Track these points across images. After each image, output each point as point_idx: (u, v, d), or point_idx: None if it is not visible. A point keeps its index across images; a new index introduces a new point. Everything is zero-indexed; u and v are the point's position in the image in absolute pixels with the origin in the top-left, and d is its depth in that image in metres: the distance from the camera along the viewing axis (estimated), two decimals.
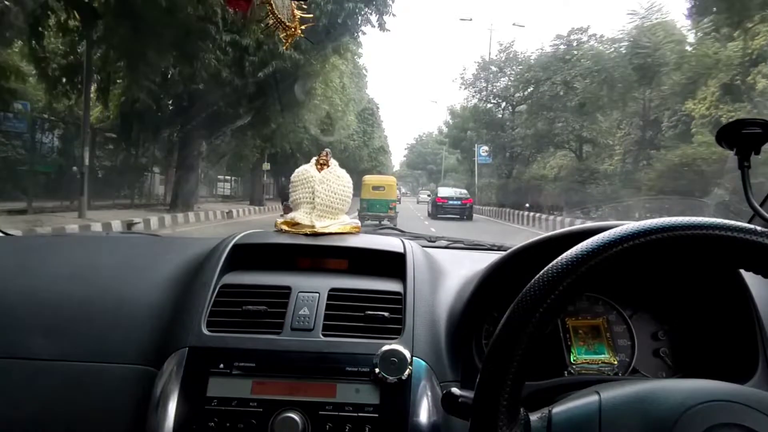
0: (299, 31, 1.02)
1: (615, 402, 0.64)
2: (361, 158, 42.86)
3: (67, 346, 1.04)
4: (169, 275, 1.19)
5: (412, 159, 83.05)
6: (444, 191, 25.53)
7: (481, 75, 32.74)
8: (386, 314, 1.06)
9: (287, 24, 1.00)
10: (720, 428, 0.57)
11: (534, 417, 0.66)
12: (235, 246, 1.23)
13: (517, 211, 22.03)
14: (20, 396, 1.00)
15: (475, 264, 1.19)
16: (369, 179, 17.93)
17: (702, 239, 0.61)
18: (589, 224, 0.98)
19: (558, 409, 0.66)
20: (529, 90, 27.84)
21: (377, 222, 13.93)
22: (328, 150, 1.40)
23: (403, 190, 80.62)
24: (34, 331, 1.05)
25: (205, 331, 1.02)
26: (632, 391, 0.65)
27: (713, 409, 0.59)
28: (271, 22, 0.99)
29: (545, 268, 0.64)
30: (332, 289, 1.11)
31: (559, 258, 0.64)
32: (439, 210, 22.80)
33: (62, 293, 1.15)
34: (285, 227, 1.34)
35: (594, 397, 0.65)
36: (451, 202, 23.14)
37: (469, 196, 24.33)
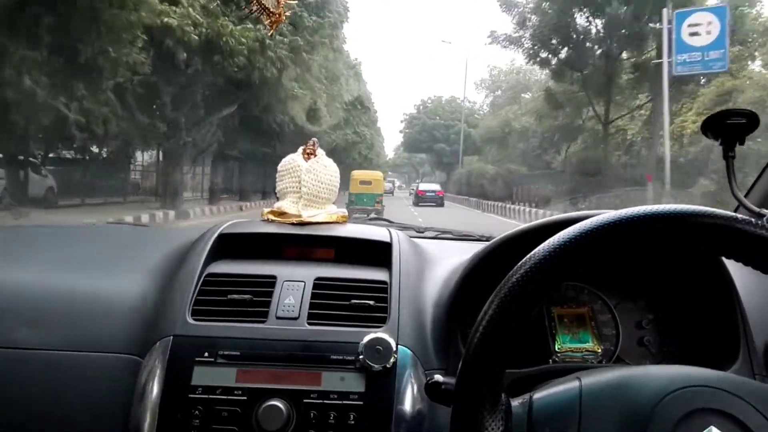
0: (284, 17, 1.01)
1: (595, 388, 0.64)
2: (316, 114, 22.62)
3: (51, 335, 1.03)
4: (154, 264, 1.18)
5: (413, 137, 57.80)
6: (423, 186, 36.56)
7: None
8: (372, 303, 1.06)
9: (271, 10, 0.99)
10: (699, 413, 0.58)
11: (515, 403, 0.66)
12: (221, 235, 1.22)
13: None
14: (3, 385, 0.99)
15: (462, 254, 1.19)
16: (357, 174, 18.95)
17: (686, 227, 0.62)
18: (572, 213, 0.99)
19: (539, 395, 0.67)
20: None
21: (365, 215, 14.13)
22: (315, 139, 1.39)
23: (397, 183, 70.79)
24: (16, 320, 1.04)
25: (190, 320, 1.02)
26: (613, 377, 0.66)
27: (692, 394, 0.60)
28: (255, 8, 0.98)
29: (526, 257, 0.64)
30: (318, 278, 1.11)
31: (540, 246, 0.64)
32: (419, 199, 31.87)
33: (46, 282, 1.14)
34: (272, 216, 1.33)
35: (575, 383, 0.65)
36: (427, 193, 32.50)
37: (440, 188, 34.45)
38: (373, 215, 14.50)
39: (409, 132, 59.09)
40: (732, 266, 1.05)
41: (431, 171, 67.57)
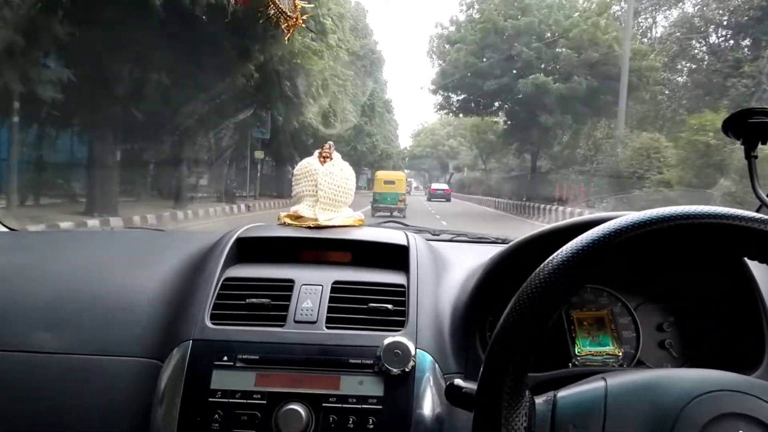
0: (300, 21, 1.02)
1: (621, 389, 0.63)
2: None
3: (72, 340, 1.04)
4: (172, 268, 1.19)
5: (461, 65, 24.18)
6: (434, 185, 43.65)
7: None
8: (390, 306, 1.06)
9: (288, 14, 1.00)
10: (726, 418, 0.57)
11: (539, 400, 0.66)
12: (238, 239, 1.23)
13: None
14: (25, 389, 1.00)
15: (478, 256, 1.19)
16: (381, 174, 19.97)
17: (708, 228, 0.61)
18: (592, 215, 0.98)
19: (563, 393, 0.66)
20: None
21: (389, 213, 14.84)
22: (331, 143, 1.39)
23: (414, 184, 62.13)
24: (38, 325, 1.06)
25: (209, 324, 1.02)
26: (639, 379, 0.65)
27: (719, 398, 0.59)
28: (272, 12, 0.99)
29: (548, 259, 0.63)
30: (335, 282, 1.11)
31: (562, 249, 0.63)
32: (431, 196, 38.82)
33: (67, 287, 1.15)
34: (288, 220, 1.34)
35: (600, 383, 0.65)
36: (438, 191, 39.46)
37: (448, 187, 42.28)
38: (396, 213, 14.93)
39: (454, 60, 25.29)
40: (755, 267, 1.03)
41: (473, 163, 45.91)
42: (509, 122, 27.82)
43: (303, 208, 1.33)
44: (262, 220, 1.39)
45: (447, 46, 26.80)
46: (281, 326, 1.03)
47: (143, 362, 1.02)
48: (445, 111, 31.54)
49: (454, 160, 59.06)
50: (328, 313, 1.05)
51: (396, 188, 18.85)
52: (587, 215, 1.00)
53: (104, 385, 1.01)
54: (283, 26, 1.01)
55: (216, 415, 0.93)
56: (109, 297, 1.12)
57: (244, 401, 0.94)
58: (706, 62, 20.85)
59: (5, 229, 1.60)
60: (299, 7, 1.00)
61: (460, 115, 31.65)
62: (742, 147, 0.94)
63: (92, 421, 0.99)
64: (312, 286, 1.10)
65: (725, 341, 1.06)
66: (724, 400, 0.58)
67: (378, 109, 37.61)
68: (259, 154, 21.46)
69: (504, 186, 32.23)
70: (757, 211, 1.19)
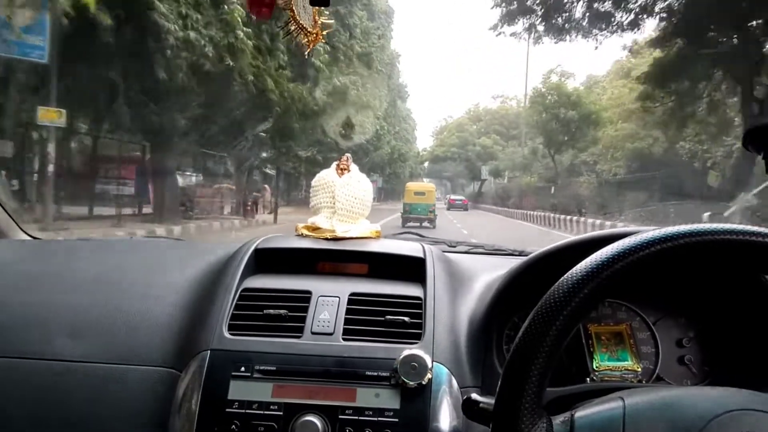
0: (321, 37, 1.03)
1: (639, 408, 0.63)
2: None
3: (91, 348, 1.06)
4: (191, 278, 1.20)
5: None
6: (452, 197, 48.10)
7: None
8: (406, 319, 1.06)
9: (309, 30, 1.01)
10: None
11: (557, 421, 0.65)
12: (256, 250, 1.24)
13: None
14: (45, 396, 1.02)
15: (495, 269, 1.18)
16: (411, 186, 20.65)
17: (727, 245, 0.60)
18: (611, 230, 0.97)
19: (581, 413, 0.65)
20: None
21: (419, 224, 14.99)
22: (348, 155, 1.40)
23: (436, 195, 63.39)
24: (58, 332, 1.07)
25: (227, 335, 1.03)
26: (657, 398, 0.64)
27: (740, 418, 0.58)
28: (293, 27, 1.01)
29: (567, 273, 0.63)
30: (352, 294, 1.11)
31: (582, 263, 0.63)
32: (450, 206, 43.24)
33: (87, 296, 1.17)
34: (306, 232, 1.35)
35: (618, 403, 0.64)
36: (456, 202, 44.61)
37: (465, 198, 47.10)
38: (426, 224, 15.04)
39: None
40: None
41: (528, 163, 34.53)
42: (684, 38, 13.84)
43: (320, 220, 1.34)
44: None
45: None
46: (298, 337, 1.03)
47: (162, 371, 1.03)
48: (514, 32, 16.57)
49: (492, 161, 46.70)
50: (344, 324, 1.05)
51: (426, 199, 19.21)
52: (608, 229, 1.00)
53: (123, 393, 1.02)
54: (303, 42, 1.02)
55: (233, 426, 0.93)
56: (130, 306, 1.13)
57: (261, 412, 0.94)
58: None
59: (28, 238, 1.63)
60: (319, 22, 1.02)
61: (543, 40, 16.39)
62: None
63: (111, 429, 1.00)
64: (329, 298, 1.10)
65: (747, 358, 1.05)
66: (745, 420, 0.58)
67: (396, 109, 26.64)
68: (47, 115, 10.01)
69: (629, 194, 17.22)
70: None
